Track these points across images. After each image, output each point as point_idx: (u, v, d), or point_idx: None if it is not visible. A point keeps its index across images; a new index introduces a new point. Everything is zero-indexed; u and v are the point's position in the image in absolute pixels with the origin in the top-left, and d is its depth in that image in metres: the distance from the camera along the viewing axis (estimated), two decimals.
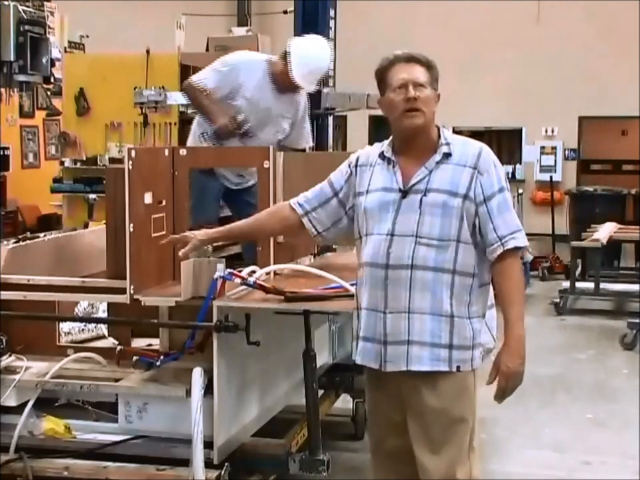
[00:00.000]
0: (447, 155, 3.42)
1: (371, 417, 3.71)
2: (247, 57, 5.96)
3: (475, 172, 3.39)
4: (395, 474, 3.62)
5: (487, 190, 3.39)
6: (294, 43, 5.76)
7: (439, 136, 3.47)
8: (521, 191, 12.32)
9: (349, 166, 3.62)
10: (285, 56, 5.68)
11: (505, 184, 3.45)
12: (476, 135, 14.82)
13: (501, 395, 3.39)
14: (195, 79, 5.76)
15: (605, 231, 10.81)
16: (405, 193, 3.42)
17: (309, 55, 5.70)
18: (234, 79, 5.69)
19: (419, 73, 3.43)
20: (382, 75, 3.48)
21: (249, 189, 5.75)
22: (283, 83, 5.74)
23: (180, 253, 3.97)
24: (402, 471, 3.56)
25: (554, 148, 14.44)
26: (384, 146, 3.54)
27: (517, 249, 3.38)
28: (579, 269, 11.67)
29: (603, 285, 10.63)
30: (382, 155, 3.52)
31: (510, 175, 14.67)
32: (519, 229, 3.41)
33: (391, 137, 3.55)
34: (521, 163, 14.70)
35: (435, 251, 3.36)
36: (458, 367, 3.38)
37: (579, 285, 10.82)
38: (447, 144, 3.44)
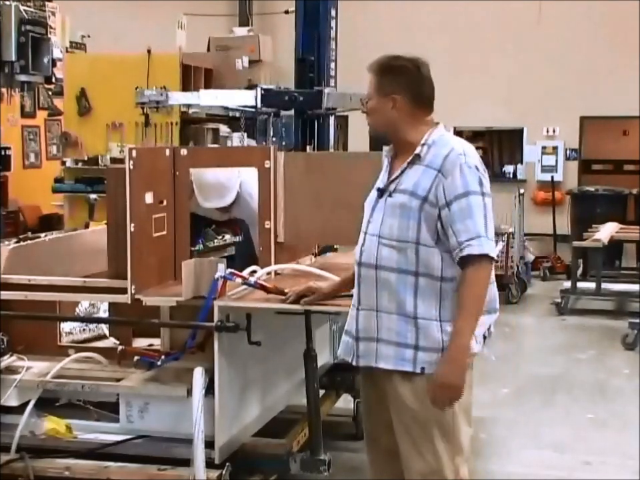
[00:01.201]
0: (417, 156, 3.38)
1: (364, 415, 3.73)
2: None
3: (439, 174, 3.31)
4: (389, 470, 3.63)
5: (449, 194, 3.28)
6: None
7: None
8: (522, 191, 12.30)
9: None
10: None
11: (474, 188, 3.29)
12: (477, 135, 14.95)
13: (434, 403, 3.31)
14: None
15: (606, 231, 10.80)
16: (381, 193, 3.45)
17: None
18: None
19: (370, 85, 3.45)
20: None
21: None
22: None
23: (302, 302, 3.89)
24: (396, 467, 3.57)
25: (555, 148, 14.43)
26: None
27: (474, 256, 3.24)
28: (580, 268, 11.67)
29: (604, 285, 10.62)
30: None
31: (511, 175, 14.68)
32: (479, 235, 3.25)
33: None
34: (522, 163, 14.68)
35: (397, 253, 3.35)
36: (422, 369, 3.34)
37: (580, 285, 10.81)
38: (423, 145, 3.39)
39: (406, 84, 3.41)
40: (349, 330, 3.52)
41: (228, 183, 5.40)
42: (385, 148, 3.62)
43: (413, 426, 3.42)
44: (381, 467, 3.67)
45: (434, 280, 3.34)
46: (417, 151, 3.38)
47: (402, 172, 3.41)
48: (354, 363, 3.49)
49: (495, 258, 3.34)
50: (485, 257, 3.27)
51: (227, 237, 5.48)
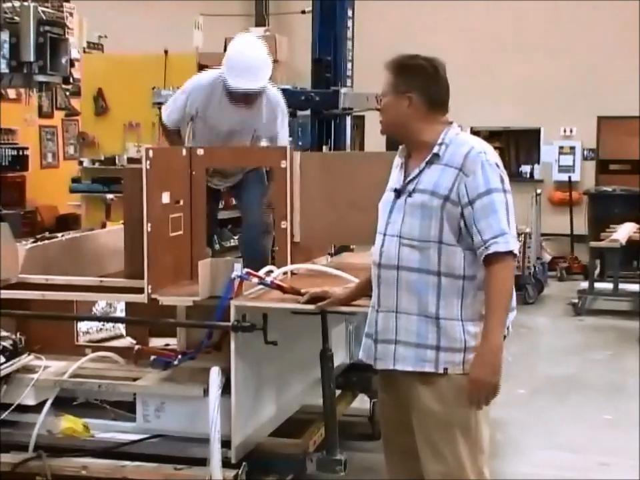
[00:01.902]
0: (436, 156, 3.37)
1: (382, 417, 3.73)
2: (197, 80, 5.75)
3: (460, 173, 3.31)
4: (406, 471, 3.62)
5: (471, 192, 3.28)
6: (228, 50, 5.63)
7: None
8: (539, 191, 12.27)
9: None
10: None
11: (496, 185, 3.29)
12: (494, 135, 14.92)
13: (472, 403, 3.31)
14: (164, 116, 5.74)
15: (623, 231, 10.76)
16: (398, 193, 3.44)
17: (233, 56, 5.49)
18: (191, 105, 5.57)
19: (385, 82, 3.45)
20: None
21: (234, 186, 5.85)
22: (234, 93, 5.50)
23: (316, 306, 3.91)
24: (413, 468, 3.56)
25: (572, 148, 14.39)
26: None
27: (500, 253, 3.24)
28: (598, 269, 11.62)
29: (621, 286, 10.58)
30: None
31: (528, 175, 14.65)
32: (504, 232, 3.26)
33: None
34: (539, 163, 14.65)
35: (418, 252, 3.34)
36: (445, 369, 3.33)
37: (597, 285, 10.78)
38: (440, 144, 3.38)
39: (422, 83, 3.40)
40: (369, 332, 3.51)
41: (260, 66, 5.48)
42: (400, 147, 3.60)
43: (435, 429, 3.40)
44: (398, 468, 3.66)
45: (456, 279, 3.33)
46: (434, 150, 3.37)
47: (420, 172, 3.39)
48: (373, 366, 3.48)
49: (517, 254, 3.34)
50: (510, 254, 3.28)
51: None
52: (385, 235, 3.44)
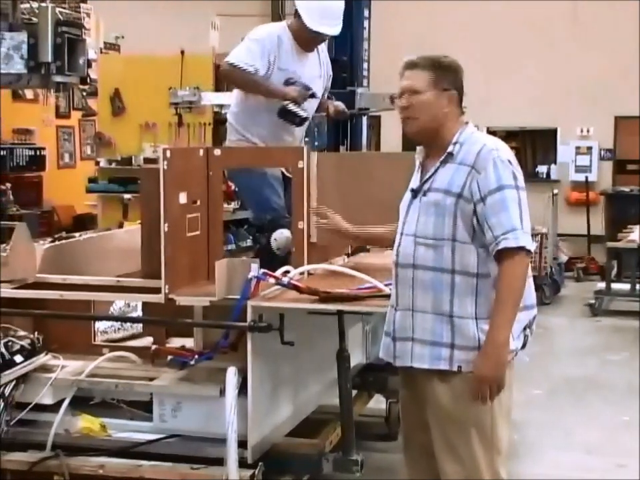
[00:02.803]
0: (450, 155, 3.40)
1: (402, 414, 3.74)
2: (268, 29, 5.65)
3: (472, 170, 3.33)
4: (425, 470, 3.62)
5: (483, 188, 3.30)
6: None
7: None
8: (555, 191, 12.24)
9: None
10: (296, 12, 5.52)
11: (508, 182, 3.31)
12: (510, 135, 14.87)
13: (475, 398, 3.32)
14: (234, 61, 5.44)
15: None
16: (415, 193, 3.47)
17: (312, 1, 5.45)
18: (266, 54, 5.46)
19: (417, 79, 3.40)
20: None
21: None
22: (305, 40, 5.54)
23: None
24: (432, 467, 3.56)
25: (589, 148, 14.33)
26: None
27: (510, 249, 3.25)
28: (615, 269, 11.57)
29: (638, 286, 10.53)
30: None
31: (545, 175, 14.61)
32: (515, 228, 3.26)
33: None
34: (555, 163, 14.60)
35: (433, 251, 3.36)
36: (459, 367, 3.35)
37: (614, 286, 10.73)
38: (455, 143, 3.41)
39: (458, 82, 3.45)
40: (388, 331, 3.54)
41: (340, 11, 5.53)
42: (417, 149, 3.61)
43: (450, 427, 3.41)
44: (417, 466, 3.67)
45: (470, 277, 3.34)
46: (449, 150, 3.39)
47: (435, 171, 3.42)
48: (393, 364, 3.52)
49: (532, 251, 3.33)
50: (522, 250, 3.27)
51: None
52: (402, 234, 3.47)
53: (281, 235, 4.94)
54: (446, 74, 3.43)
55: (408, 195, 3.51)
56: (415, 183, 3.50)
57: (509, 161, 3.36)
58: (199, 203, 4.56)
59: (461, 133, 3.43)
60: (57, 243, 5.41)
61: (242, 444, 3.96)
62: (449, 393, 3.39)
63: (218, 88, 9.41)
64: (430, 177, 3.43)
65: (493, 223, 3.29)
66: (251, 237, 8.18)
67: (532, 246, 3.33)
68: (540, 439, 6.07)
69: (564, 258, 12.54)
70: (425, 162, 3.51)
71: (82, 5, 11.03)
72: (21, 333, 4.42)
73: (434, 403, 3.43)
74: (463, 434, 3.40)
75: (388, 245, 3.99)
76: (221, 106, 8.77)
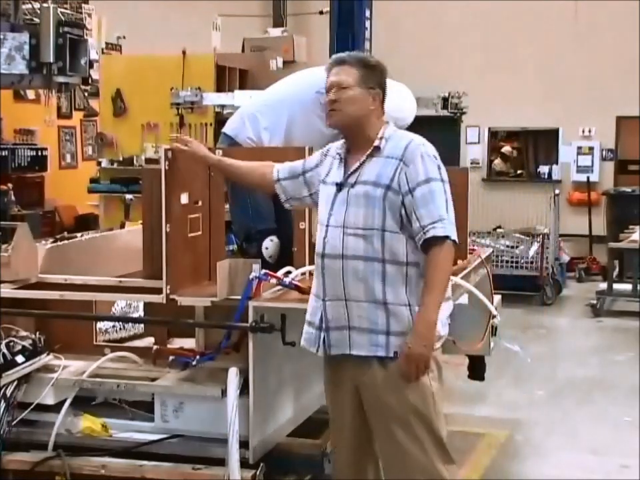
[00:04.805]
0: (377, 149, 3.52)
1: (331, 403, 3.80)
2: (295, 95, 5.14)
3: (401, 163, 3.47)
4: (358, 455, 3.69)
5: (411, 181, 3.44)
6: None
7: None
8: (557, 191, 12.22)
9: (322, 154, 3.79)
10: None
11: (435, 175, 3.46)
12: (512, 135, 14.90)
13: (403, 376, 3.44)
14: (246, 136, 5.09)
15: None
16: (340, 187, 3.56)
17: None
18: (282, 123, 5.10)
19: (347, 75, 3.55)
20: None
21: None
22: None
23: (173, 145, 4.14)
24: (366, 448, 3.66)
25: (591, 148, 14.34)
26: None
27: (438, 237, 3.39)
28: (617, 270, 11.55)
29: None
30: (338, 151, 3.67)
31: (546, 176, 14.61)
32: (441, 218, 3.41)
33: None
34: (557, 164, 14.60)
35: (363, 241, 3.46)
36: (395, 353, 3.45)
37: (616, 286, 10.72)
38: (381, 138, 3.54)
39: (383, 82, 3.61)
40: (311, 321, 3.62)
41: None
42: (337, 144, 3.71)
43: (388, 412, 3.50)
44: (349, 453, 3.72)
45: (400, 265, 3.46)
46: (376, 144, 3.53)
47: (361, 164, 3.54)
48: (319, 353, 3.62)
49: (457, 242, 3.47)
50: (448, 239, 3.42)
51: None
52: (327, 226, 3.55)
53: (271, 243, 4.94)
54: (373, 73, 3.58)
55: (331, 188, 3.60)
56: (337, 177, 3.59)
57: (434, 156, 3.52)
58: (200, 203, 4.55)
59: (385, 130, 3.57)
60: (58, 243, 5.41)
61: (243, 444, 3.97)
62: (386, 378, 3.48)
63: (219, 88, 9.42)
64: (356, 170, 3.54)
65: (422, 214, 3.42)
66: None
67: (456, 237, 3.46)
68: (543, 439, 6.07)
69: (566, 258, 12.51)
70: (346, 157, 3.61)
71: (84, 5, 11.03)
72: (23, 333, 4.43)
73: (372, 388, 3.52)
74: (401, 418, 3.49)
75: None
76: (223, 106, 8.76)
